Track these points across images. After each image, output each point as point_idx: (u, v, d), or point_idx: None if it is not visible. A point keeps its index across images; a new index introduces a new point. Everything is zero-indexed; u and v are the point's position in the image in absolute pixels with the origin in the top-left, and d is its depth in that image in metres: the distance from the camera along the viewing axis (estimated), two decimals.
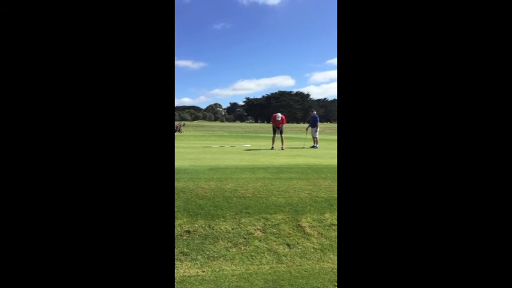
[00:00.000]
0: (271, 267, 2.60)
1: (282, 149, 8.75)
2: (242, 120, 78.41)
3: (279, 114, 9.42)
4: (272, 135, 9.33)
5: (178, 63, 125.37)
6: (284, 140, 9.13)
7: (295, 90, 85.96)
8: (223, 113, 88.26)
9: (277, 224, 3.15)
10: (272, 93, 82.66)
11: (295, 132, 19.26)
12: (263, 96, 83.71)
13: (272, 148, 8.99)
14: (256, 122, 75.07)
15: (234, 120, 78.09)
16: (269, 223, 3.16)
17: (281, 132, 9.12)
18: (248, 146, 10.53)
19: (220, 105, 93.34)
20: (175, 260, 2.62)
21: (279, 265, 2.64)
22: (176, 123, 17.09)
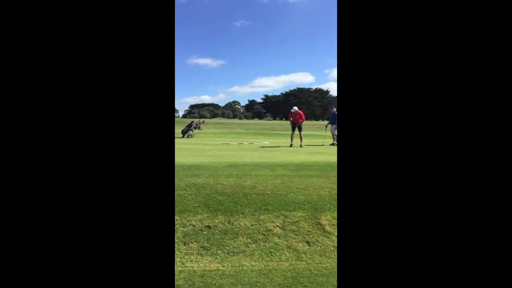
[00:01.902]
0: (290, 264, 2.60)
1: (301, 146, 8.68)
2: (260, 118, 78.44)
3: (295, 108, 9.23)
4: (291, 132, 9.26)
5: (198, 61, 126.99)
6: (303, 137, 9.03)
7: (314, 87, 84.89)
8: (242, 111, 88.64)
9: (297, 222, 3.14)
10: (291, 90, 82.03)
11: (315, 130, 19.03)
12: (282, 94, 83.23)
13: (291, 145, 8.93)
14: (274, 119, 74.82)
15: (252, 118, 78.26)
16: (288, 220, 3.16)
17: (300, 129, 9.02)
18: (266, 143, 10.53)
19: (238, 103, 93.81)
20: (196, 255, 2.68)
21: (299, 262, 2.63)
22: (196, 120, 17.35)
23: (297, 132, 8.99)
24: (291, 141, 9.14)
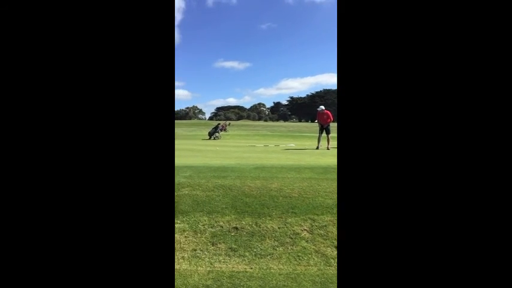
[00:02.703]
0: (319, 269, 2.55)
1: (328, 149, 8.49)
2: (286, 120, 78.05)
3: (322, 108, 8.79)
4: (318, 134, 9.05)
5: (225, 64, 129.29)
6: (330, 140, 8.73)
7: None
8: (267, 113, 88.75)
9: (325, 226, 3.08)
10: (317, 92, 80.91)
11: None
12: (307, 95, 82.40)
13: (317, 148, 8.77)
14: (300, 121, 74.13)
15: (277, 120, 78.11)
16: (316, 224, 3.10)
17: (327, 132, 8.75)
18: (292, 145, 10.45)
19: (264, 105, 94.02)
20: (224, 255, 2.71)
21: (327, 268, 2.57)
22: (222, 122, 17.64)
23: (324, 134, 8.78)
24: (318, 144, 8.93)
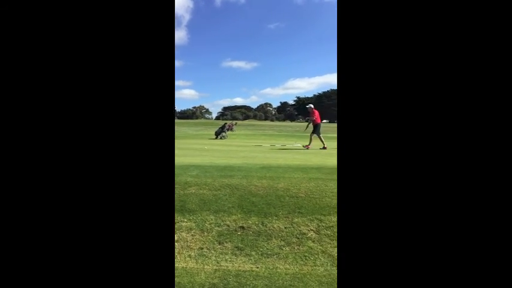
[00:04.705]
0: (325, 270, 2.54)
1: (306, 148, 8.25)
2: (292, 120, 77.82)
3: (310, 106, 8.54)
4: (316, 134, 8.63)
5: (232, 64, 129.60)
6: (312, 140, 8.39)
7: None
8: (273, 113, 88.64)
9: (332, 226, 3.06)
10: (324, 92, 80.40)
11: None
12: (314, 95, 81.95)
13: (324, 147, 8.67)
14: (306, 121, 73.79)
15: (284, 120, 77.93)
16: (323, 224, 3.09)
17: (314, 131, 8.35)
18: (298, 145, 10.41)
19: (270, 105, 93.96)
20: (231, 254, 2.72)
21: (334, 268, 2.56)
22: (229, 122, 17.68)
23: (314, 134, 8.40)
24: (323, 144, 8.66)
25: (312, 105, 9.03)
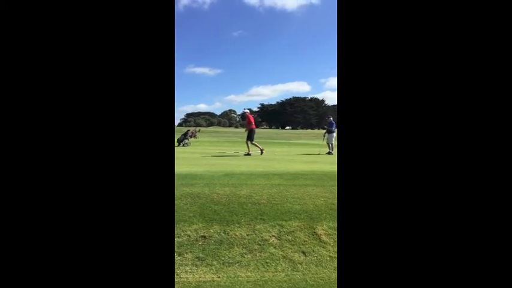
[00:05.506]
0: (286, 275, 2.58)
1: (249, 155, 8.06)
2: (257, 127, 78.53)
3: (245, 111, 8.36)
4: (250, 140, 8.30)
5: (196, 70, 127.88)
6: (250, 147, 8.15)
7: (310, 96, 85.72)
8: (238, 119, 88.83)
9: (293, 231, 3.13)
10: (286, 99, 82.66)
11: (310, 138, 19.09)
12: (277, 102, 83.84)
13: (262, 153, 8.24)
14: (270, 127, 75.04)
15: None
16: (284, 230, 3.14)
17: (248, 137, 8.07)
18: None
19: (234, 111, 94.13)
20: (191, 265, 2.65)
21: (295, 273, 2.61)
22: (192, 129, 17.32)
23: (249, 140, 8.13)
24: (259, 148, 8.35)
25: (247, 111, 8.85)
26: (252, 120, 8.50)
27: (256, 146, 8.37)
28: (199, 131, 19.01)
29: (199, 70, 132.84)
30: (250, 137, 8.30)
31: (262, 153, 8.30)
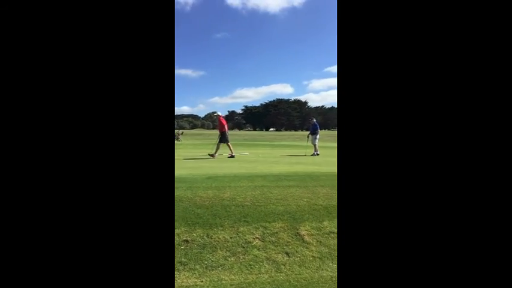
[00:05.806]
0: (270, 276, 2.58)
1: (212, 157, 8.08)
2: (240, 128, 78.58)
3: (218, 114, 8.28)
4: (222, 142, 8.20)
5: (178, 71, 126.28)
6: (219, 149, 8.16)
7: (293, 98, 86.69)
8: None
9: (276, 233, 3.14)
10: (270, 101, 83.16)
11: (293, 140, 19.28)
12: (261, 104, 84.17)
13: (232, 156, 8.20)
14: (254, 129, 75.21)
15: (232, 128, 78.26)
16: (268, 231, 3.15)
17: (221, 139, 8.01)
18: (246, 153, 10.52)
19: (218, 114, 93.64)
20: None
21: (278, 274, 2.62)
22: (174, 131, 17.07)
23: (221, 142, 8.08)
24: (230, 151, 8.25)
25: (219, 113, 8.69)
26: (224, 122, 8.42)
27: (229, 148, 8.33)
28: (182, 133, 18.74)
29: (182, 72, 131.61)
30: (224, 139, 8.19)
31: (232, 156, 8.23)
